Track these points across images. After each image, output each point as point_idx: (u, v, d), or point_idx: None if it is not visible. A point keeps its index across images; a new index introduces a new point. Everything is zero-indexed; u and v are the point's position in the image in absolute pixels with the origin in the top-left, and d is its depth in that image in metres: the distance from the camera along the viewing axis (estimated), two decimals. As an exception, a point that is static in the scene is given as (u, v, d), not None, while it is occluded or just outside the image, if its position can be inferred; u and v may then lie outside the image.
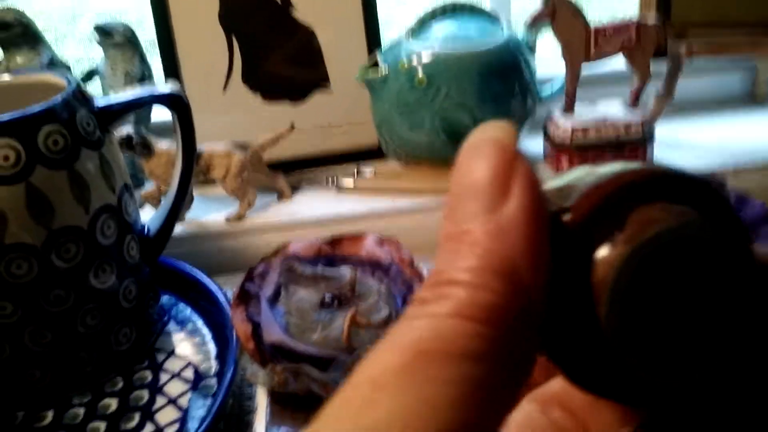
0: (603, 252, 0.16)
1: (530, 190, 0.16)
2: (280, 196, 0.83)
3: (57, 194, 0.51)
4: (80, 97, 0.55)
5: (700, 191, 0.18)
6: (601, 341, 0.16)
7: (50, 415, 0.56)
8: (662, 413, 0.18)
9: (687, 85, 0.87)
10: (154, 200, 0.77)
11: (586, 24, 0.81)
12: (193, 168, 0.62)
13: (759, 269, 0.17)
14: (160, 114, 0.86)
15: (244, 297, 0.58)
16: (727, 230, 0.17)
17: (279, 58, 0.86)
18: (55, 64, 0.75)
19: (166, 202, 0.63)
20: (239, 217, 0.78)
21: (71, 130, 0.52)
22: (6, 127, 0.49)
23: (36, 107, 0.51)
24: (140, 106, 0.57)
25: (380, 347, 0.15)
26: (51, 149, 0.50)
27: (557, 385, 0.20)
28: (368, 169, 0.86)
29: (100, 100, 0.56)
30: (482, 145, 0.17)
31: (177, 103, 0.58)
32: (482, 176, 0.16)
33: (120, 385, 0.58)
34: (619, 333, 0.16)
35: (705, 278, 0.17)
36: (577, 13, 0.80)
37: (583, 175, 0.18)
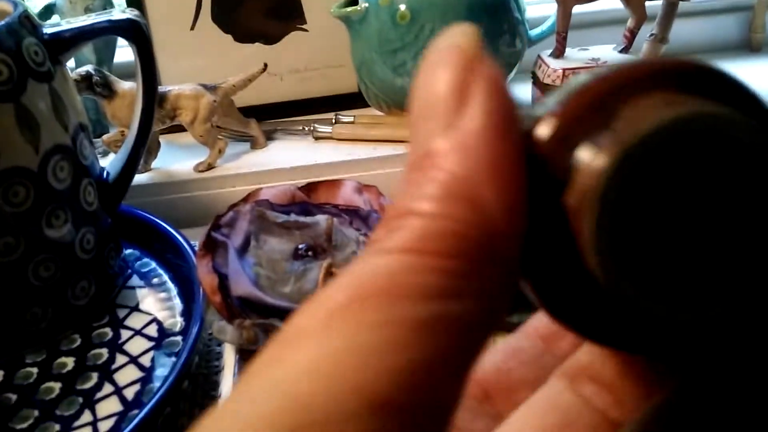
0: (585, 159, 0.13)
1: (493, 96, 0.14)
2: (254, 144, 0.78)
3: (2, 131, 0.46)
4: (27, 23, 0.49)
5: (722, 84, 0.14)
6: (589, 272, 0.13)
7: (0, 374, 0.51)
8: (694, 374, 0.15)
9: (680, 27, 0.83)
10: (117, 146, 0.72)
11: (579, -41, 0.76)
12: (155, 107, 0.56)
13: None
14: (125, 55, 0.80)
15: (211, 246, 0.53)
16: (757, 129, 0.13)
17: (251, -6, 0.80)
18: (5, -5, 0.69)
19: (127, 143, 0.58)
20: (209, 165, 0.73)
21: (17, 60, 0.47)
22: (-61, 53, 0.43)
23: (-26, 32, 0.45)
24: (94, 35, 0.52)
25: (317, 294, 0.13)
26: (-7, 79, 0.45)
27: (586, 356, 0.17)
28: (347, 117, 0.81)
29: (50, 28, 0.51)
30: (442, 54, 0.15)
31: (136, 31, 0.52)
32: (441, 88, 0.14)
33: (77, 342, 0.53)
34: (609, 265, 0.13)
35: (721, 187, 0.13)
36: (570, -52, 0.75)
37: (574, 81, 0.14)
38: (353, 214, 0.59)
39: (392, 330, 0.12)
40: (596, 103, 0.14)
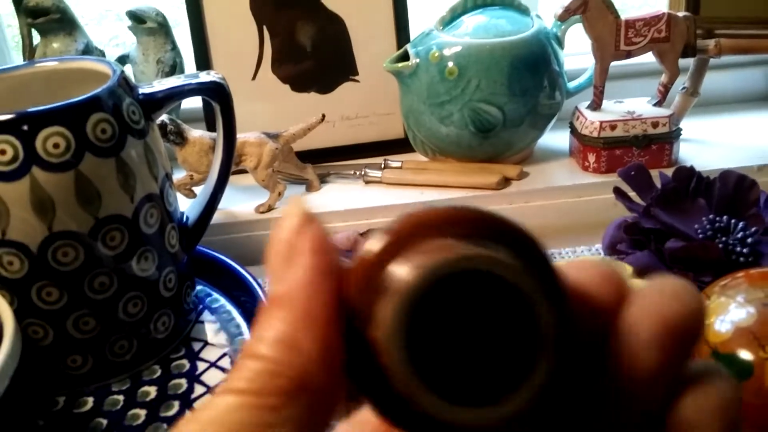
0: (379, 310, 0.16)
1: (313, 254, 0.18)
2: (309, 187, 0.83)
3: (104, 182, 0.51)
4: (125, 85, 0.55)
5: (503, 231, 0.17)
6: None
7: (90, 401, 0.56)
8: None
9: (709, 79, 0.87)
10: (186, 189, 0.77)
11: (617, 16, 0.81)
12: (232, 156, 0.62)
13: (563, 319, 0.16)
14: (187, 101, 0.86)
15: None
16: (519, 270, 0.16)
17: (308, 48, 0.86)
18: (90, 50, 0.76)
19: (205, 191, 0.63)
20: (269, 207, 0.79)
21: (118, 119, 0.52)
22: (56, 114, 0.49)
23: (84, 95, 0.51)
24: (184, 96, 0.57)
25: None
26: (99, 137, 0.50)
27: None
28: (395, 162, 0.86)
29: (144, 89, 0.56)
30: (284, 221, 0.19)
31: (219, 92, 0.58)
32: (277, 247, 0.18)
33: (158, 373, 0.59)
34: (409, 390, 0.16)
35: (494, 317, 0.16)
36: (609, 6, 0.80)
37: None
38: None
39: None
40: (397, 246, 0.17)
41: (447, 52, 0.79)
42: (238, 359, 0.18)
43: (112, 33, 1.77)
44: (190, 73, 0.59)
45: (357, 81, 0.88)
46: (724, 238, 0.60)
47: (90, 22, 1.85)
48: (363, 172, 0.84)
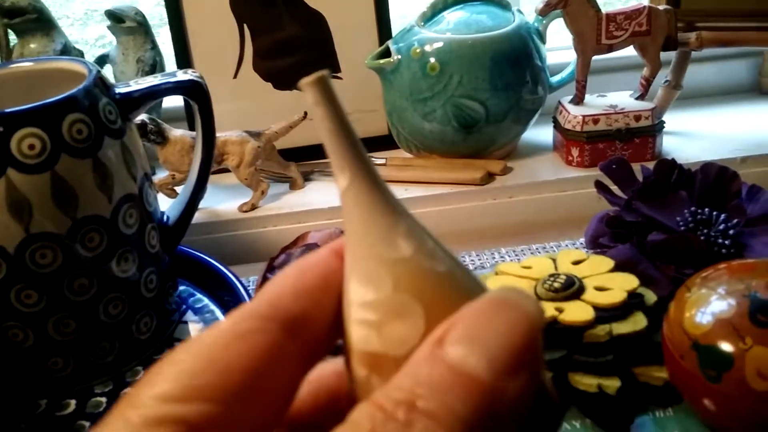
0: None
1: (536, 373, 0.17)
2: (293, 185, 0.83)
3: (81, 183, 0.51)
4: (101, 85, 0.54)
5: None
6: None
7: (73, 403, 0.56)
8: None
9: (692, 72, 0.87)
10: (168, 189, 0.77)
11: (597, 10, 0.81)
12: (212, 155, 0.62)
13: None
14: (167, 100, 0.86)
15: (266, 286, 0.58)
16: None
17: (290, 45, 0.86)
18: (68, 50, 0.75)
19: (185, 191, 0.63)
20: (252, 206, 0.78)
21: (94, 119, 0.52)
22: (31, 115, 0.49)
23: (59, 96, 0.50)
24: (161, 95, 0.57)
25: None
26: (75, 138, 0.50)
27: None
28: (379, 159, 0.86)
29: (121, 88, 0.56)
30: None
31: (197, 91, 0.58)
32: (511, 342, 0.17)
33: (141, 374, 0.58)
34: None
35: None
36: (590, 0, 0.80)
37: None
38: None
39: None
40: None
41: (428, 48, 0.79)
42: None
43: (98, 33, 1.76)
44: (168, 71, 0.59)
45: (340, 78, 0.88)
46: (705, 230, 0.60)
47: (75, 22, 1.84)
48: (346, 170, 0.84)
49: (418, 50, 0.79)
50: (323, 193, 0.82)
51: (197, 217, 0.78)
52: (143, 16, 0.79)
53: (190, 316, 0.65)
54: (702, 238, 0.59)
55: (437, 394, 0.16)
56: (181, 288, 0.67)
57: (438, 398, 0.16)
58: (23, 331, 0.53)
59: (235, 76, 0.86)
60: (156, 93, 0.56)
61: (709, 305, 0.46)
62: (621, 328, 0.49)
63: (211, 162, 0.61)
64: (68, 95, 0.50)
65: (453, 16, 0.82)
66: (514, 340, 0.16)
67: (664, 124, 0.84)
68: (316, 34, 0.86)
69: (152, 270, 0.58)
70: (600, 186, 0.65)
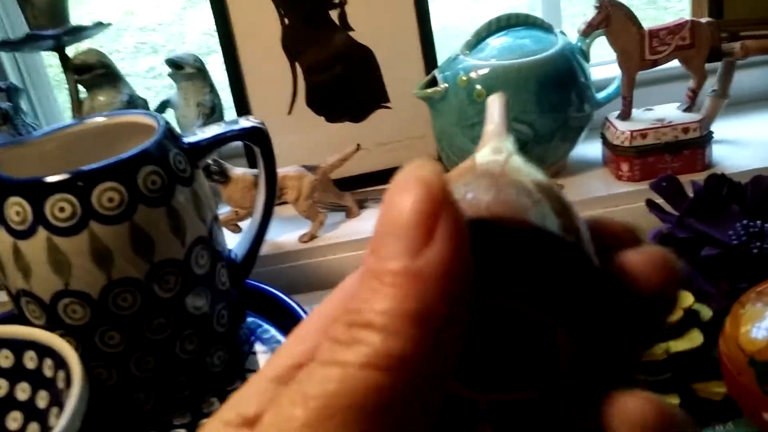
0: None
1: (454, 239, 0.16)
2: (348, 213, 0.86)
3: (157, 230, 0.54)
4: (171, 136, 0.58)
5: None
6: None
7: (155, 436, 0.59)
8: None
9: (739, 78, 0.87)
10: (232, 224, 0.81)
11: (639, 27, 0.82)
12: (275, 195, 0.65)
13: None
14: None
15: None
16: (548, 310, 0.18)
17: (340, 79, 0.89)
18: (134, 100, 0.79)
19: (250, 229, 0.66)
20: (312, 236, 0.81)
21: (166, 169, 0.55)
22: (109, 171, 0.52)
23: (134, 150, 0.54)
24: (226, 142, 0.60)
25: (290, 395, 0.15)
26: (150, 188, 0.54)
27: None
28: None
29: (189, 138, 0.59)
30: (410, 184, 0.17)
31: (259, 136, 0.61)
32: (407, 217, 0.16)
33: (216, 406, 0.61)
34: None
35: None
36: (631, 18, 0.82)
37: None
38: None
39: None
40: None
41: (474, 75, 0.81)
42: (344, 319, 0.16)
43: (149, 65, 1.83)
44: (231, 119, 0.62)
45: (389, 108, 0.91)
46: (758, 243, 0.61)
47: (126, 56, 1.92)
48: (400, 196, 0.86)
49: (464, 78, 0.81)
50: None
51: (260, 250, 0.82)
52: (201, 62, 0.83)
53: (258, 346, 0.68)
54: (755, 251, 0.60)
55: (366, 303, 0.16)
56: (249, 320, 0.70)
57: (368, 307, 0.16)
58: (107, 369, 0.57)
59: (289, 112, 0.89)
60: (221, 141, 0.60)
61: (764, 320, 0.47)
62: (678, 345, 0.51)
63: (274, 201, 0.65)
64: (142, 149, 0.54)
65: (497, 42, 0.84)
66: (411, 215, 0.16)
67: (713, 134, 0.85)
68: (364, 67, 0.89)
69: (223, 305, 0.62)
70: (651, 204, 0.66)
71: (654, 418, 0.18)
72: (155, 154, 0.55)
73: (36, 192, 0.51)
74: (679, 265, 0.20)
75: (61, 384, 0.52)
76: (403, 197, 0.16)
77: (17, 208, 0.51)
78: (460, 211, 0.16)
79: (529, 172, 0.20)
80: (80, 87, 0.79)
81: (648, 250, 0.20)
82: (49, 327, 0.55)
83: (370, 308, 0.16)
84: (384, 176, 0.92)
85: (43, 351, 0.54)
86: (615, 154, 0.85)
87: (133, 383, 0.58)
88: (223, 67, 0.85)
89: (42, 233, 0.51)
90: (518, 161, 0.21)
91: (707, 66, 0.84)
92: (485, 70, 0.81)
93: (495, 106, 0.26)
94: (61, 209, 0.51)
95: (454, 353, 0.16)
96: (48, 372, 0.54)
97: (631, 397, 0.18)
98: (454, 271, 0.16)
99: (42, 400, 0.54)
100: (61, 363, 0.52)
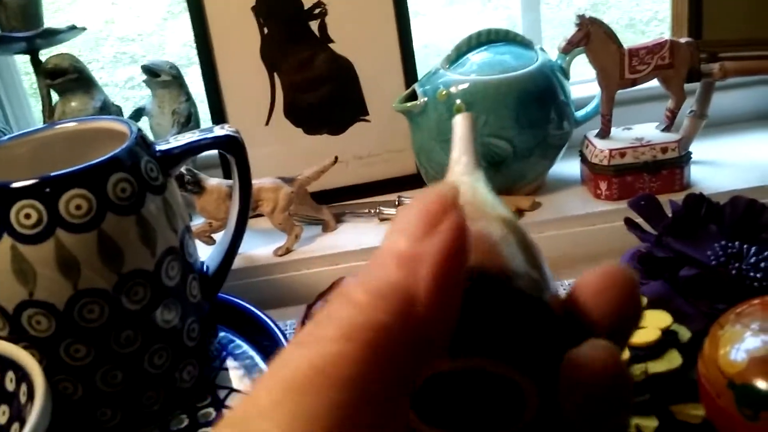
0: None
1: (454, 234, 0.18)
2: (325, 227, 0.84)
3: (126, 239, 0.53)
4: (143, 143, 0.56)
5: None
6: None
7: (121, 453, 0.57)
8: None
9: (717, 100, 0.88)
10: (206, 236, 0.79)
11: (619, 46, 0.82)
12: (249, 206, 0.63)
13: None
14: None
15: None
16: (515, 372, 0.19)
17: (319, 91, 0.88)
18: (107, 106, 0.78)
19: (223, 241, 0.65)
20: (287, 250, 0.80)
21: (137, 177, 0.54)
22: (77, 177, 0.51)
23: (104, 156, 0.52)
24: (200, 150, 0.59)
25: (270, 371, 0.17)
26: (120, 196, 0.52)
27: None
28: (409, 198, 0.88)
29: (161, 146, 0.58)
30: (427, 196, 0.19)
31: (234, 145, 0.60)
32: (417, 216, 0.18)
33: (186, 422, 0.60)
34: None
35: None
36: (611, 36, 0.82)
37: None
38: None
39: (329, 412, 0.15)
40: None
41: (454, 89, 0.80)
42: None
43: (127, 75, 1.81)
44: (205, 127, 0.61)
45: (368, 121, 0.90)
46: (737, 264, 0.60)
47: (106, 65, 1.89)
48: (378, 210, 0.86)
49: (444, 92, 0.81)
50: (355, 234, 0.83)
51: (234, 263, 0.80)
52: (177, 70, 0.82)
53: (230, 362, 0.66)
54: (734, 272, 0.59)
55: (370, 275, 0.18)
56: (221, 334, 0.68)
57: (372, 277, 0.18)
58: (72, 383, 0.55)
59: (267, 123, 0.88)
60: (195, 149, 0.58)
61: (743, 342, 0.47)
62: (656, 366, 0.50)
63: (248, 212, 0.63)
64: (112, 156, 0.52)
65: (477, 57, 0.83)
66: (421, 212, 0.18)
67: (692, 155, 0.85)
68: (344, 80, 0.88)
69: (194, 319, 0.60)
70: (630, 223, 0.65)
71: None
72: (126, 161, 0.53)
73: (1, 197, 0.49)
74: (632, 276, 0.21)
75: (23, 398, 0.50)
76: (420, 202, 0.19)
77: (-19, 214, 0.50)
78: (463, 214, 0.18)
79: (494, 205, 0.22)
80: (53, 93, 0.78)
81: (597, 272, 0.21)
82: (12, 338, 0.53)
83: (361, 285, 0.17)
84: (362, 190, 0.91)
85: (5, 364, 0.52)
86: (594, 172, 0.85)
87: (100, 398, 0.56)
88: (194, 64, 0.84)
89: (6, 240, 0.50)
90: (484, 193, 0.22)
91: (686, 86, 0.84)
92: (465, 85, 0.80)
93: (460, 128, 0.26)
94: (27, 216, 0.49)
95: (435, 336, 0.17)
96: (10, 386, 0.52)
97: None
98: (445, 260, 0.17)
99: (2, 414, 0.52)
100: (23, 376, 0.51)
